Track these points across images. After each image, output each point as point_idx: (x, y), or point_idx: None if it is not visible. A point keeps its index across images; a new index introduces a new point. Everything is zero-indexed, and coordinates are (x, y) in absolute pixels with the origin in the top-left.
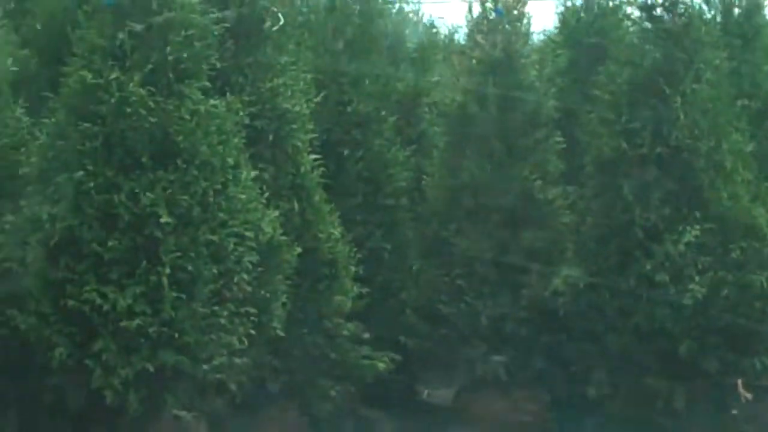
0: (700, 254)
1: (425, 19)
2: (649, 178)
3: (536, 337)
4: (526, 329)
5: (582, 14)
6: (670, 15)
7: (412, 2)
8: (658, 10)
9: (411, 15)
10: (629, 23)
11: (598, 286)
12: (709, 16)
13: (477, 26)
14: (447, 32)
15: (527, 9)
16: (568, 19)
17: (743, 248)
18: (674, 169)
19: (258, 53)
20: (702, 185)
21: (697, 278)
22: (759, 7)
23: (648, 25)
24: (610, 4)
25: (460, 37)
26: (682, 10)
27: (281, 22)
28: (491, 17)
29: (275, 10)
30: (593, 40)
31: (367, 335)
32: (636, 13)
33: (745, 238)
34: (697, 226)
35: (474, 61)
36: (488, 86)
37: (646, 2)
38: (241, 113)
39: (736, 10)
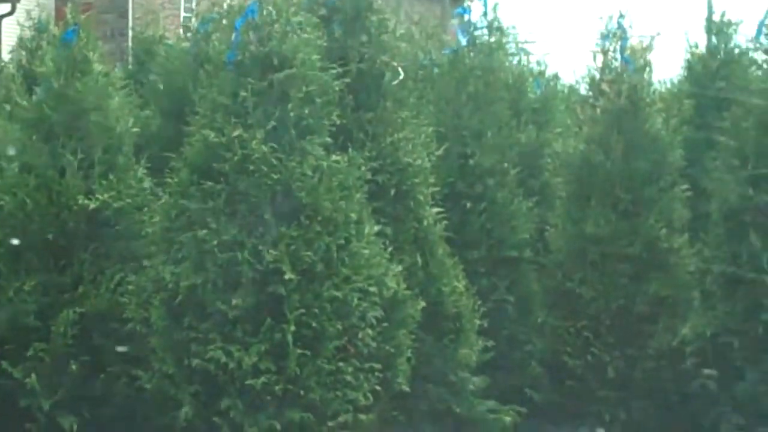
0: None
1: (547, 71)
2: None
3: (664, 388)
4: (654, 380)
5: (708, 60)
6: None
7: (533, 53)
8: None
9: (532, 66)
10: (755, 68)
11: (725, 335)
12: None
13: (601, 75)
14: (569, 83)
15: (651, 56)
16: (693, 66)
17: None
18: None
19: (378, 108)
20: None
21: None
22: None
23: None
24: (736, 50)
25: (582, 87)
26: None
27: (401, 76)
28: (614, 66)
29: (395, 64)
30: (719, 86)
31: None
32: (762, 57)
33: None
34: None
35: (598, 110)
36: (613, 135)
37: None
38: (363, 168)
39: None
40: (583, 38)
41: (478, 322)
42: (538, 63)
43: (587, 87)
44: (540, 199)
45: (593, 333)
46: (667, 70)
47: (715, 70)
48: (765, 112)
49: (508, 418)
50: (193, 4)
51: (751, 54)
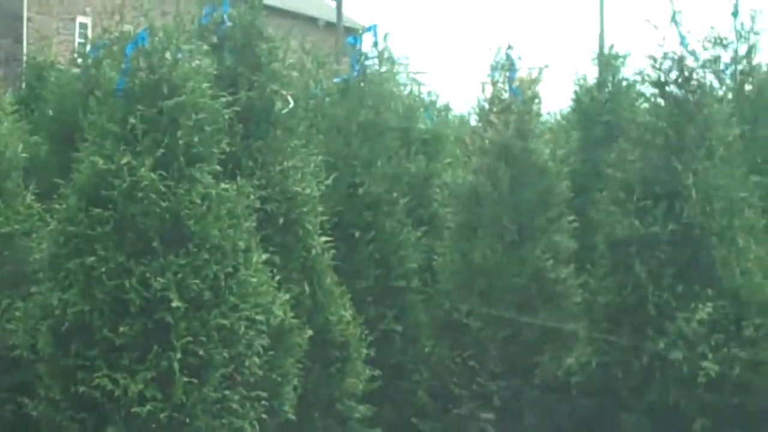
0: (713, 331)
1: (438, 101)
2: (662, 255)
3: (549, 417)
4: (539, 409)
5: (595, 93)
6: (683, 92)
7: (424, 84)
8: (671, 87)
9: (424, 96)
10: (642, 100)
11: (610, 365)
12: (721, 92)
13: (490, 106)
14: (460, 114)
15: (540, 88)
16: (581, 97)
17: (756, 325)
18: (686, 247)
19: (267, 136)
20: (714, 262)
21: (710, 356)
22: None
23: (661, 102)
24: (624, 82)
25: (472, 118)
26: (695, 87)
27: (291, 105)
28: (504, 97)
29: (285, 93)
30: (606, 119)
31: None
32: (649, 90)
33: (759, 314)
34: (710, 304)
35: (486, 141)
36: (500, 166)
37: (659, 79)
38: (252, 196)
39: (748, 87)
40: (476, 69)
41: (365, 351)
42: (429, 93)
43: (477, 118)
44: (429, 229)
45: (479, 363)
46: (557, 102)
47: (603, 103)
48: (651, 145)
49: None
50: (88, 31)
51: (638, 86)
